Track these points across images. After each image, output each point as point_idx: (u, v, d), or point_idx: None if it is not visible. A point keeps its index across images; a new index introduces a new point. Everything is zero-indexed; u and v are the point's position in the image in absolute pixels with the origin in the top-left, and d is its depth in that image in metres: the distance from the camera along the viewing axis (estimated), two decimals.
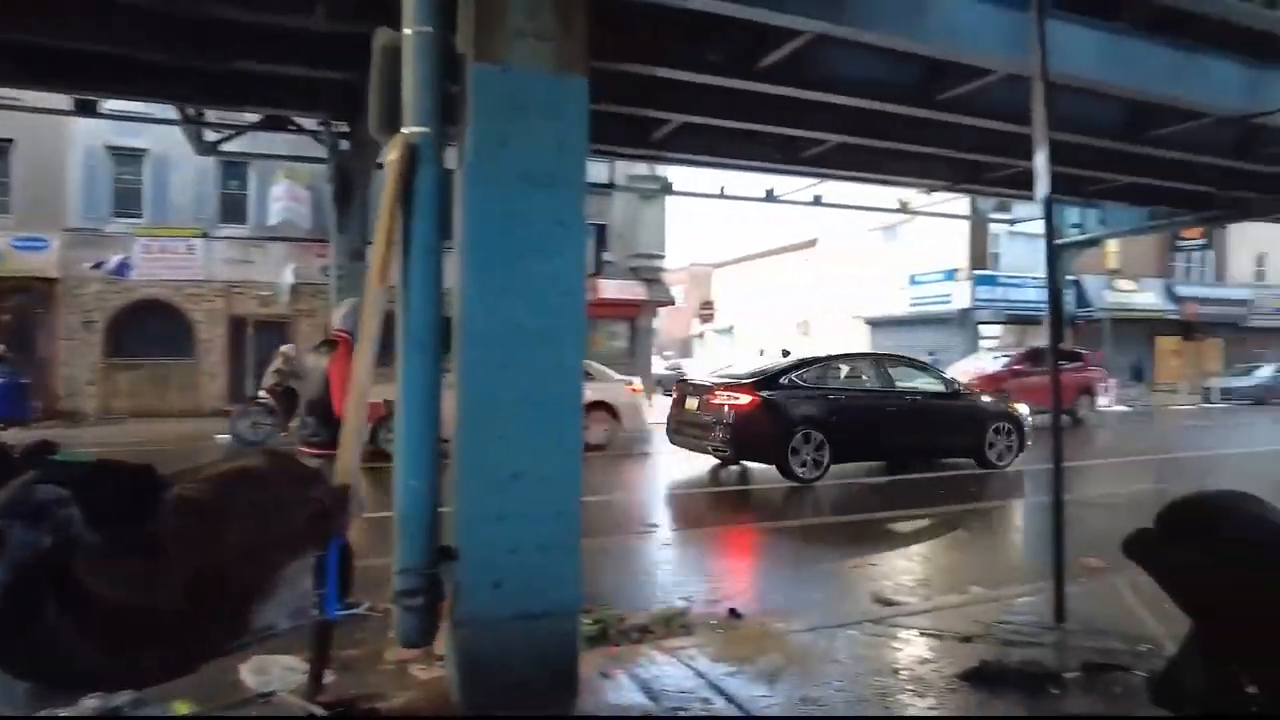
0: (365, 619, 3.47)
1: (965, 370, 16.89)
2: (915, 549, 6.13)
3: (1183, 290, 29.29)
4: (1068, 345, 18.45)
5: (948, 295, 27.14)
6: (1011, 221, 24.58)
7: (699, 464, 9.83)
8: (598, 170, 18.17)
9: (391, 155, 2.92)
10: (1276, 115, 12.28)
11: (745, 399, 8.86)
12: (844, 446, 9.04)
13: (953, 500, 7.91)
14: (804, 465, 8.64)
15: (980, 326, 26.75)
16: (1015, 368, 16.44)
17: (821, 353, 11.07)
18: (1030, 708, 2.86)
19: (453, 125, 2.98)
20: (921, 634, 3.68)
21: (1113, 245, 28.07)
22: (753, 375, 9.60)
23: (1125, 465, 10.70)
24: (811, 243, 35.90)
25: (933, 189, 18.64)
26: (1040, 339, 26.49)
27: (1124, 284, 28.00)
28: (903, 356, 11.85)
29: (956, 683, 3.09)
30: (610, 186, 18.70)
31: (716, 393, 9.17)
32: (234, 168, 18.55)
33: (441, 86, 2.93)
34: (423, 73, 2.89)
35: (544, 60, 2.91)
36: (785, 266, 38.76)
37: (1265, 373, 24.15)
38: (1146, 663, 3.18)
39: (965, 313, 26.40)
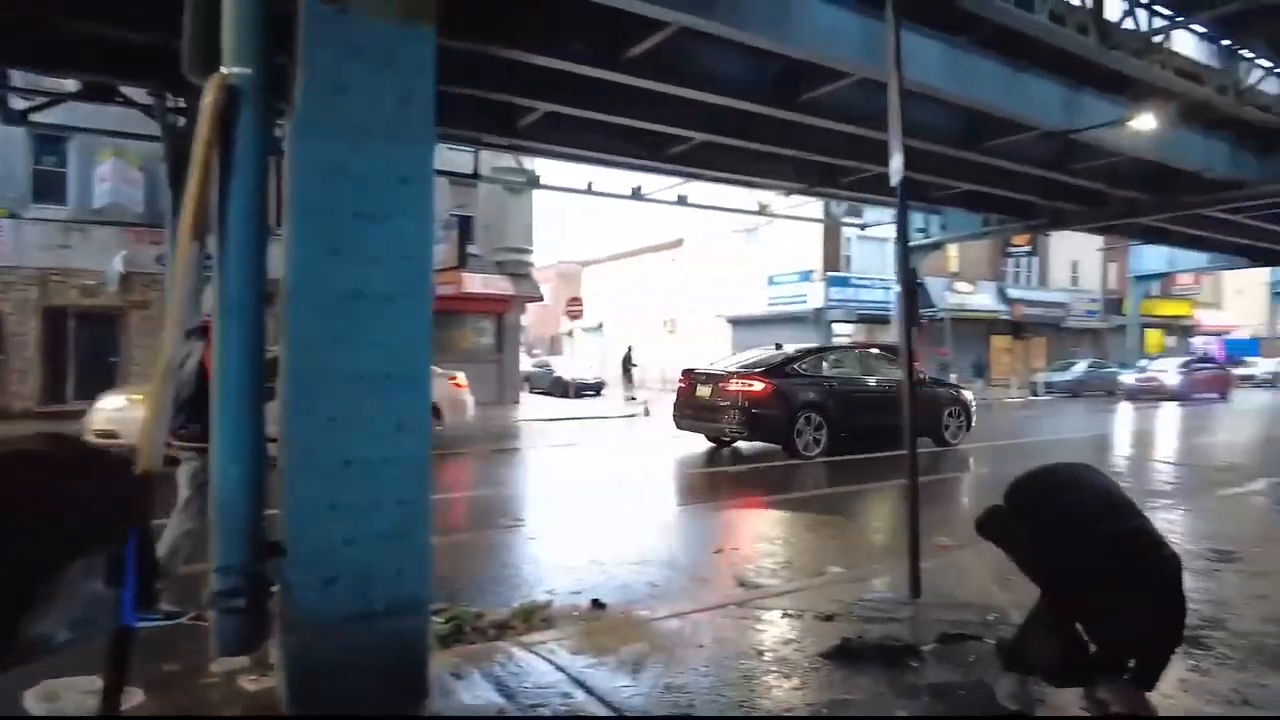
0: (193, 629, 3.07)
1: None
2: (780, 532, 6.20)
3: (1013, 293, 31.90)
4: (888, 342, 19.06)
5: (803, 295, 28.28)
6: (862, 226, 25.85)
7: (570, 458, 9.66)
8: (462, 160, 17.58)
9: (207, 98, 2.56)
10: (1087, 132, 13.52)
11: (759, 386, 10.14)
12: (837, 427, 10.29)
13: (870, 479, 8.13)
14: (806, 445, 9.93)
15: (833, 325, 28.02)
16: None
17: (814, 345, 12.97)
18: (892, 681, 2.86)
19: (282, 67, 2.65)
20: (785, 615, 3.66)
21: (953, 250, 30.19)
22: (760, 366, 10.90)
23: (972, 450, 11.38)
24: (678, 242, 36.45)
25: (791, 191, 19.28)
26: (889, 337, 28.19)
27: (962, 286, 30.15)
28: (877, 348, 13.76)
29: (820, 661, 3.06)
30: (475, 177, 18.10)
31: (732, 380, 10.34)
32: (51, 142, 16.59)
33: (268, 22, 2.59)
34: (245, 5, 2.55)
35: (388, 3, 2.63)
36: (652, 265, 39.21)
37: (1079, 368, 26.76)
38: (995, 631, 3.28)
39: (819, 312, 27.59)
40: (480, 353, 22.27)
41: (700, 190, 23.01)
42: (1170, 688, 2.52)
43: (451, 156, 17.33)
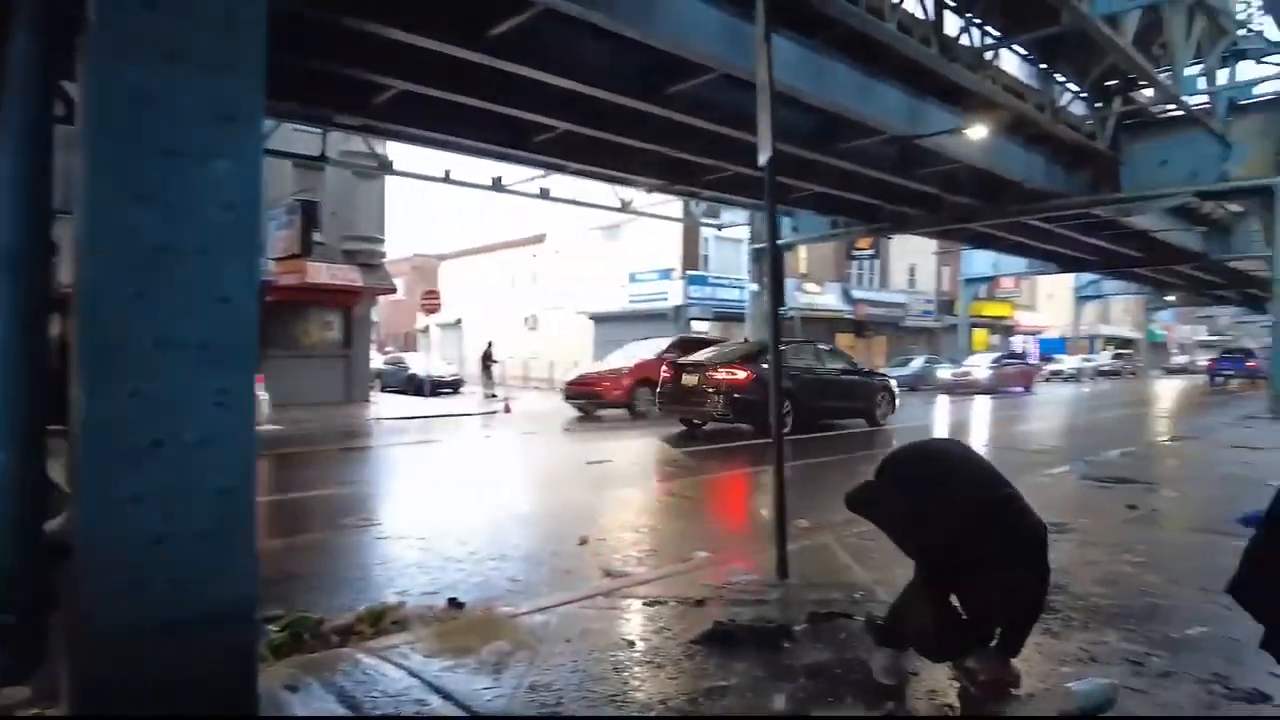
0: None
1: (623, 358, 17.57)
2: (647, 521, 6.09)
3: (856, 293, 33.75)
4: (715, 336, 19.21)
5: (664, 293, 28.66)
6: (719, 226, 26.51)
7: (425, 455, 9.18)
8: (308, 141, 16.47)
9: None
10: (928, 139, 14.42)
11: (743, 374, 11.81)
12: (802, 409, 11.88)
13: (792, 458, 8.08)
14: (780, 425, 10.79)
15: (692, 323, 28.56)
16: (663, 356, 16.15)
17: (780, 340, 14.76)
18: (767, 663, 2.78)
19: None
20: (654, 603, 3.53)
21: (803, 252, 31.54)
22: (741, 356, 12.79)
23: (819, 439, 11.81)
24: (540, 238, 36.02)
25: (654, 188, 19.40)
26: (741, 335, 29.05)
27: (811, 287, 31.55)
28: (827, 344, 16.34)
29: (693, 648, 2.94)
30: (322, 160, 16.98)
31: (718, 370, 12.01)
32: None
33: None
34: None
35: None
36: (514, 260, 38.55)
37: (916, 364, 28.69)
38: (863, 609, 3.29)
39: (679, 309, 28.04)
40: (326, 348, 21.01)
41: (563, 184, 22.79)
42: (1026, 651, 2.56)
43: (296, 137, 16.21)
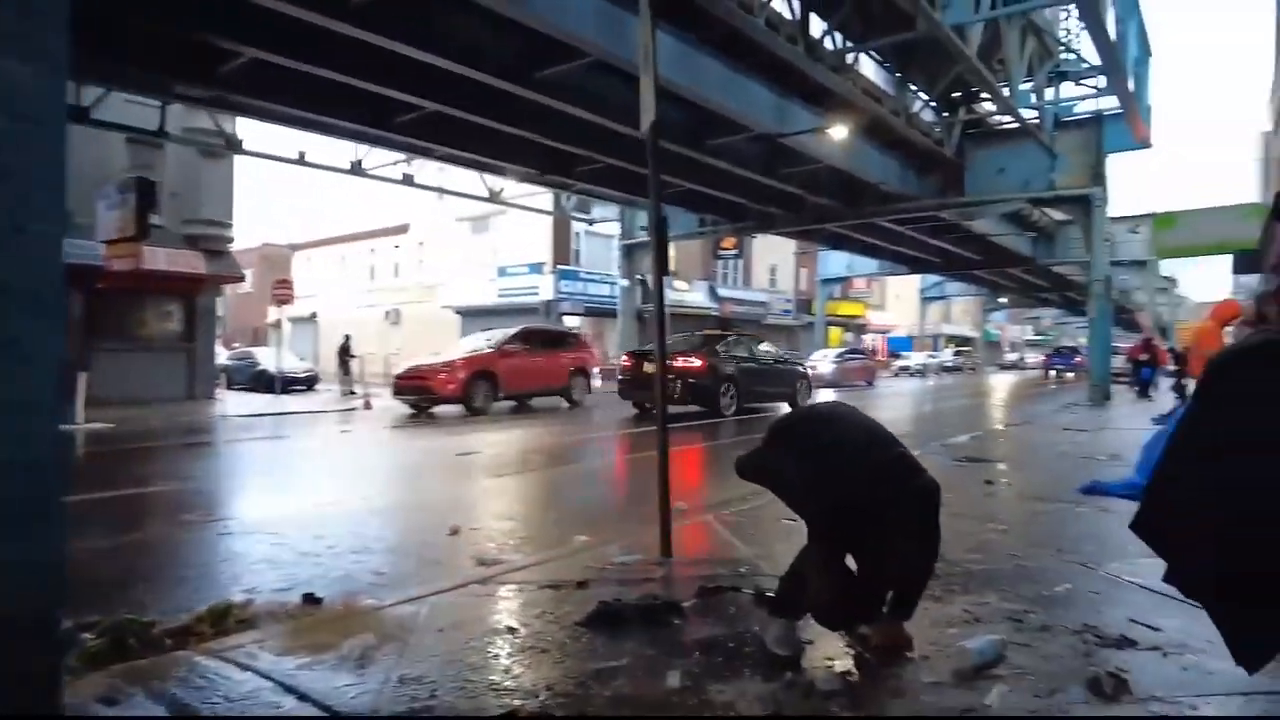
0: None
1: (461, 349, 16.46)
2: (521, 509, 5.85)
3: (722, 292, 34.61)
4: (560, 328, 18.83)
5: (534, 287, 28.27)
6: (591, 221, 26.43)
7: (276, 452, 8.49)
8: (146, 115, 14.96)
9: None
10: (793, 139, 14.89)
11: (698, 363, 13.48)
12: (742, 393, 13.94)
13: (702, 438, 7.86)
14: (725, 405, 13.51)
15: (564, 318, 28.35)
16: (506, 348, 15.62)
17: (720, 331, 17.29)
18: (658, 640, 2.64)
19: None
20: (536, 588, 3.32)
21: (671, 250, 31.97)
22: (695, 347, 14.25)
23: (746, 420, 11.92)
24: (403, 228, 34.68)
25: (525, 177, 19.02)
26: (613, 331, 29.13)
27: (680, 284, 32.04)
28: (758, 336, 18.37)
29: (578, 630, 2.77)
30: (161, 135, 15.51)
31: (676, 359, 13.00)
32: None
33: None
34: None
35: None
36: (375, 251, 36.92)
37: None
38: (750, 582, 3.22)
39: (550, 304, 27.75)
40: (165, 340, 19.26)
41: (430, 171, 21.98)
42: (914, 615, 2.55)
43: (132, 110, 14.70)
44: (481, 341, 16.42)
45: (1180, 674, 2.37)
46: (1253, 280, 23.46)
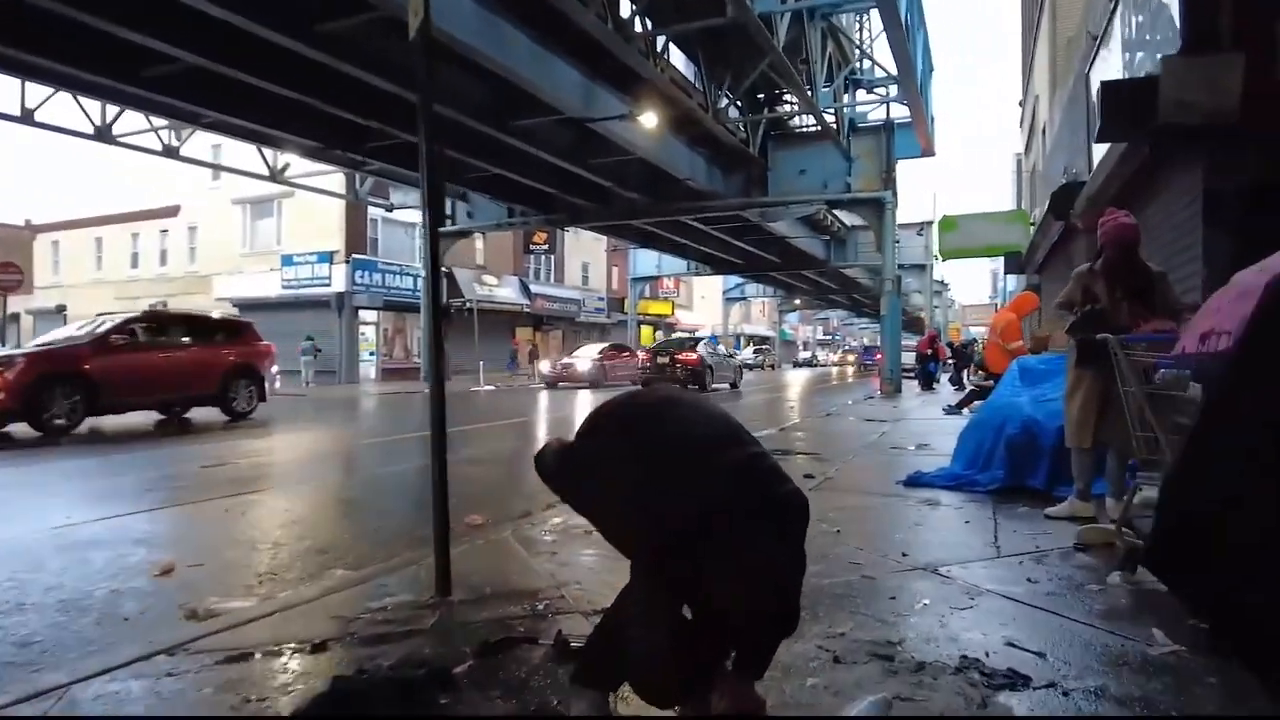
0: None
1: (46, 340, 11.31)
2: (277, 531, 4.69)
3: (534, 288, 33.70)
4: (216, 314, 14.60)
5: (325, 278, 25.87)
6: (389, 207, 24.60)
7: None
8: None
9: None
10: (601, 126, 14.37)
11: (694, 357, 20.41)
12: (715, 376, 20.88)
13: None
14: (705, 386, 19.69)
15: (360, 312, 26.24)
16: (113, 339, 10.59)
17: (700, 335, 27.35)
18: None
19: None
20: (254, 654, 2.35)
21: (480, 243, 30.69)
22: (689, 346, 21.54)
23: (496, 429, 11.00)
24: (173, 210, 30.65)
25: (308, 151, 17.13)
26: (416, 327, 27.41)
27: (489, 279, 30.79)
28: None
29: None
30: None
31: (680, 354, 20.66)
32: None
33: None
34: None
35: None
36: (138, 235, 32.39)
37: None
38: (551, 627, 2.45)
39: (343, 297, 25.53)
40: None
41: (201, 146, 19.42)
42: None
43: None
44: (73, 331, 11.43)
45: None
46: (1013, 281, 26.12)
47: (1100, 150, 6.82)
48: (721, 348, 22.60)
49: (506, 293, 31.83)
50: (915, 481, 5.29)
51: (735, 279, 47.07)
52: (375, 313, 26.95)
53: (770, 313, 66.08)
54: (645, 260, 38.05)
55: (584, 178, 17.46)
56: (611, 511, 1.77)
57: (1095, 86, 7.84)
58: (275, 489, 6.11)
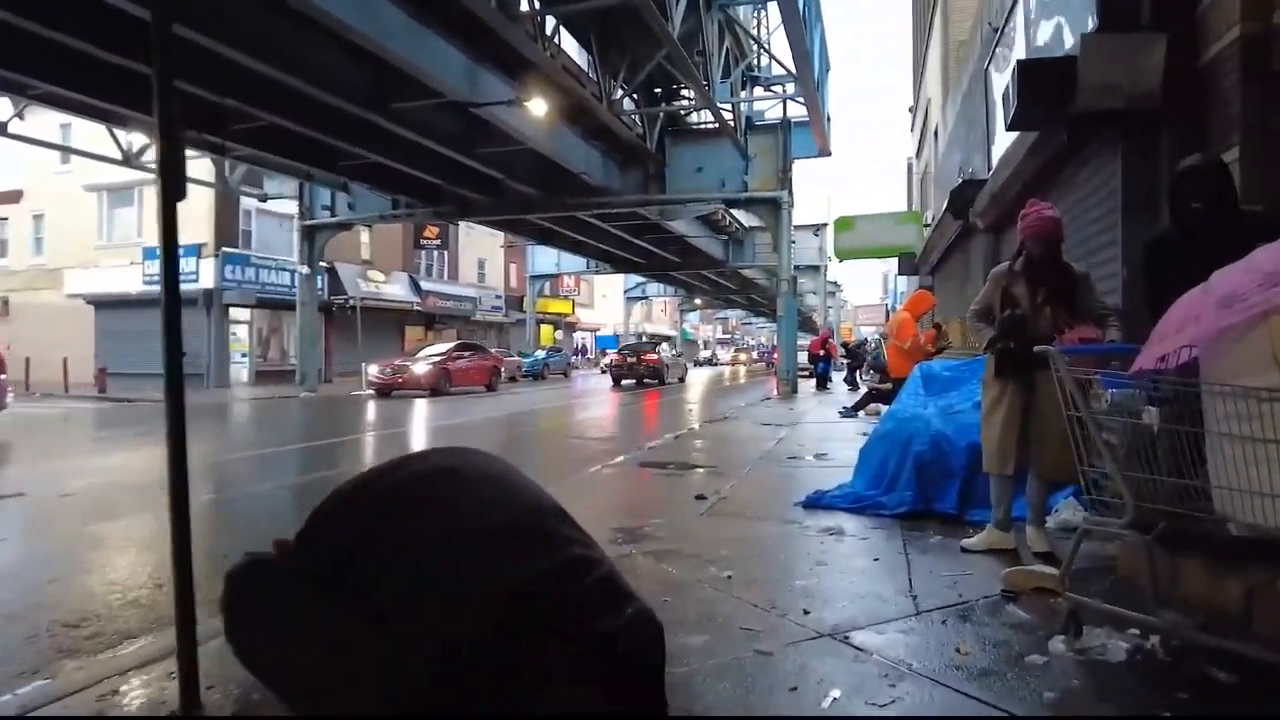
0: None
1: None
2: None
3: (426, 285, 32.21)
4: None
5: (192, 274, 23.74)
6: (262, 197, 22.81)
7: None
8: None
9: None
10: (489, 113, 13.47)
11: (655, 356, 25.39)
12: (670, 373, 26.26)
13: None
14: (666, 379, 25.14)
15: (231, 310, 24.27)
16: None
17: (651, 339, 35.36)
18: None
19: None
20: None
21: (365, 236, 29.05)
22: (650, 348, 27.22)
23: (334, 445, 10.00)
24: (14, 195, 27.62)
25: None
26: (292, 325, 25.57)
27: (375, 275, 29.18)
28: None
29: None
30: None
31: (645, 354, 25.50)
32: None
33: None
34: None
35: None
36: None
37: None
38: None
39: (212, 294, 23.53)
40: None
41: (47, 124, 17.38)
42: None
43: None
44: None
45: None
46: (905, 282, 26.60)
47: (1002, 145, 6.56)
48: (675, 349, 31.31)
49: (395, 290, 30.26)
50: (815, 503, 4.77)
51: (636, 278, 46.69)
52: (248, 311, 24.98)
53: (672, 312, 66.17)
54: (544, 258, 37.10)
55: (473, 169, 16.47)
56: (327, 671, 1.05)
57: (996, 81, 7.62)
58: (31, 530, 5.04)
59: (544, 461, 8.23)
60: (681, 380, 27.54)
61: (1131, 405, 2.29)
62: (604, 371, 38.02)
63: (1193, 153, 3.69)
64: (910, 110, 26.14)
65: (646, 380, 24.43)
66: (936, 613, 2.75)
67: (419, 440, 10.62)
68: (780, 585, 3.12)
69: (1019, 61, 4.02)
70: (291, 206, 23.15)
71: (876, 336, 26.29)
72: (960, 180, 9.04)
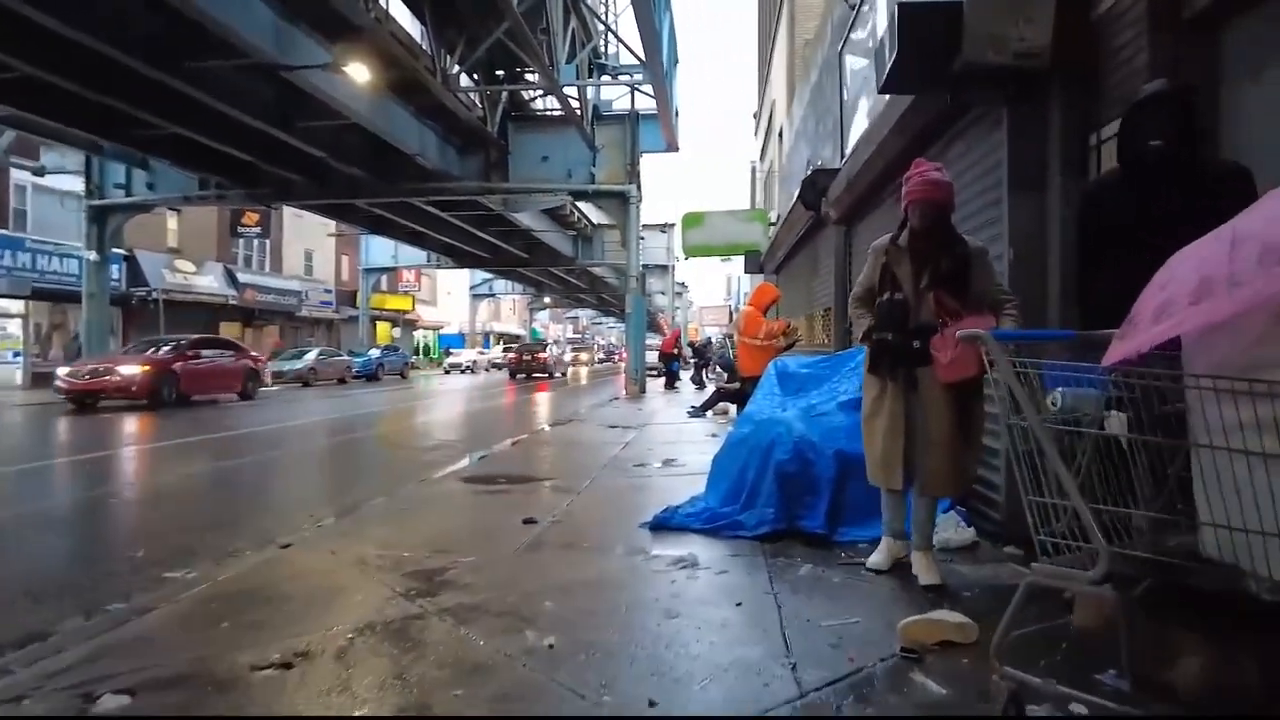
0: None
1: None
2: None
3: (244, 277, 29.22)
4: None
5: None
6: (40, 171, 19.69)
7: None
8: None
9: None
10: (307, 84, 11.99)
11: (545, 355, 31.86)
12: (559, 368, 33.73)
13: None
14: (555, 371, 31.78)
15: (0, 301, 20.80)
16: None
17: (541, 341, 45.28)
18: None
19: None
20: None
21: (172, 222, 25.96)
22: (542, 348, 34.71)
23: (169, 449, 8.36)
24: None
25: None
26: (79, 320, 22.30)
27: (184, 264, 26.11)
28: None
29: None
30: None
31: (537, 353, 31.83)
32: None
33: None
34: None
35: None
36: None
37: (311, 356, 25.75)
38: None
39: None
40: None
41: None
42: None
43: None
44: None
45: None
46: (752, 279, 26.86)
47: (860, 127, 6.17)
48: (556, 349, 35.78)
49: (208, 282, 27.20)
50: (665, 523, 4.04)
51: (483, 275, 45.00)
52: (21, 303, 21.50)
53: (521, 311, 64.61)
54: (379, 249, 34.81)
55: (292, 145, 14.70)
56: None
57: (850, 64, 7.27)
58: None
59: (342, 480, 7.09)
60: (564, 375, 32.44)
61: (1091, 409, 1.67)
62: (463, 371, 36.99)
63: (1090, 116, 3.27)
64: (754, 116, 26.46)
65: (537, 374, 29.77)
66: (824, 690, 2.05)
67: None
68: (619, 656, 2.33)
69: (900, 5, 3.46)
70: (77, 183, 20.07)
71: (721, 336, 26.44)
72: (811, 170, 8.71)
